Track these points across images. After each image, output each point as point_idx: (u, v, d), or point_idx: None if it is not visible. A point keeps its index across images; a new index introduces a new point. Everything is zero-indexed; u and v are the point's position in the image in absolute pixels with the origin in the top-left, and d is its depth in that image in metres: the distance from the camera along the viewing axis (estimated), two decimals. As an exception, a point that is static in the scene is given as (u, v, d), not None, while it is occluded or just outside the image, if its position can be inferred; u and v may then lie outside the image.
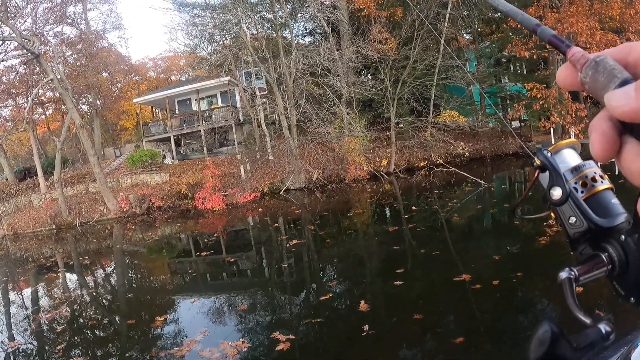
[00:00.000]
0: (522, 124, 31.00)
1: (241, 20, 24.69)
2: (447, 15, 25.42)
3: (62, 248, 19.30)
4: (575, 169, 0.67)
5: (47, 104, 37.53)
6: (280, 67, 24.24)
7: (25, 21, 26.74)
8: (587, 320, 0.59)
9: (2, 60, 29.00)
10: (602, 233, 0.63)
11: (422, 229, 12.05)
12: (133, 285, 11.41)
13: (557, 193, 0.68)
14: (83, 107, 37.89)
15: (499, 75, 31.73)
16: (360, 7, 26.34)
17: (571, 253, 0.69)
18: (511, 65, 31.75)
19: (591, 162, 0.65)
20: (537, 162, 0.71)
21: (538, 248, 8.61)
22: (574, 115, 22.76)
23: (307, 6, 26.70)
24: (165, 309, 8.54)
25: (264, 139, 26.03)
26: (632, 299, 0.60)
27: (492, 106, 27.76)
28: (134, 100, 34.91)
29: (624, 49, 0.44)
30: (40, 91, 31.31)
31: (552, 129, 25.67)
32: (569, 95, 23.79)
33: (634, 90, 0.38)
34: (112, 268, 14.06)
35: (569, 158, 0.70)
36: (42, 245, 20.37)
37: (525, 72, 31.20)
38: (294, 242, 12.33)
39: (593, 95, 0.43)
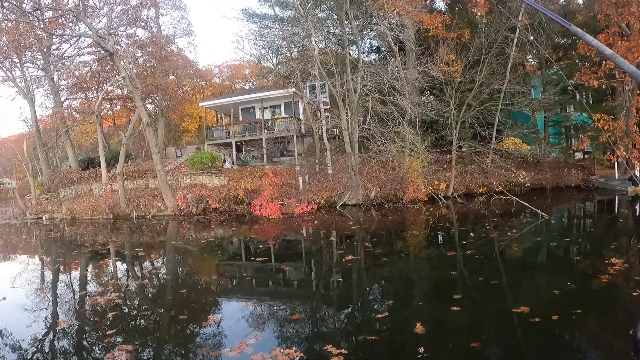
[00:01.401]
0: (586, 155, 30.07)
1: (311, 35, 25.06)
2: (515, 40, 25.06)
3: (117, 237, 20.06)
4: None
5: (115, 100, 39.08)
6: (346, 82, 24.45)
7: (100, 21, 28.10)
8: None
9: (78, 55, 30.51)
10: None
11: (480, 256, 11.87)
12: (186, 281, 11.69)
13: None
14: (149, 106, 39.28)
15: (565, 104, 30.96)
16: (428, 27, 26.31)
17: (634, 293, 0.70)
18: (577, 94, 30.92)
19: None
20: None
21: (599, 286, 8.38)
22: (642, 150, 21.86)
23: (375, 24, 26.88)
24: (217, 309, 8.74)
25: (324, 152, 26.23)
26: None
27: (556, 136, 27.10)
28: (200, 104, 35.99)
29: None
30: (110, 88, 32.71)
31: (616, 163, 24.82)
32: (637, 129, 22.93)
33: None
34: (165, 263, 14.50)
35: None
36: (97, 232, 21.32)
37: (591, 102, 30.26)
38: (350, 257, 12.37)
39: None
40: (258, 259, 13.04)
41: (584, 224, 18.34)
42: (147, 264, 14.01)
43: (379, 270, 11.28)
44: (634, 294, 7.66)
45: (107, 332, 7.26)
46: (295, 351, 6.04)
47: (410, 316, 7.51)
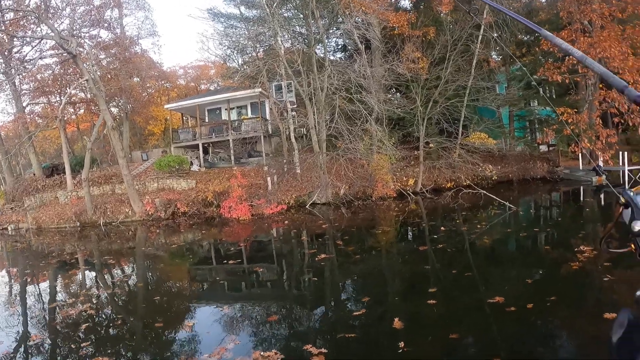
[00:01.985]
0: (550, 148, 30.70)
1: (277, 34, 24.95)
2: (480, 37, 25.42)
3: (85, 245, 19.58)
4: None
5: (78, 104, 38.25)
6: (313, 81, 24.41)
7: (63, 22, 27.41)
8: None
9: (40, 58, 29.75)
10: None
11: (452, 249, 11.97)
12: (158, 288, 11.44)
13: (637, 226, 0.77)
14: (113, 109, 38.54)
15: (529, 99, 31.56)
16: (394, 25, 26.47)
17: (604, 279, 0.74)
18: (541, 89, 31.56)
19: None
20: (622, 200, 0.81)
21: (570, 273, 8.54)
22: (604, 142, 22.47)
23: (341, 22, 26.93)
24: (192, 314, 8.59)
25: (292, 151, 26.14)
26: None
27: (521, 129, 27.59)
28: (166, 106, 35.50)
29: None
30: (74, 91, 31.99)
31: (580, 154, 25.43)
32: (600, 121, 23.56)
33: None
34: (136, 270, 14.13)
35: None
36: (64, 241, 20.77)
37: (555, 96, 30.96)
38: (322, 256, 12.32)
39: None
40: (230, 261, 12.89)
41: (552, 214, 18.71)
42: (117, 272, 13.71)
43: (352, 267, 11.26)
44: (604, 279, 7.81)
45: (82, 345, 7.03)
46: (276, 353, 5.97)
47: (388, 312, 7.50)
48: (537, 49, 27.10)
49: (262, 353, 5.98)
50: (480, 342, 6.08)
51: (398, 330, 6.41)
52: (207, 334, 7.16)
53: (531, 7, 30.04)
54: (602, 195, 20.81)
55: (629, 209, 0.79)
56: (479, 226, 15.08)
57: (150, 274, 13.45)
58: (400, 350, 5.67)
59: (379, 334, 6.63)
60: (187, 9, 66.25)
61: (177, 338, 7.23)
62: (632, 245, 0.80)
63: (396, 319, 6.70)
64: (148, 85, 41.22)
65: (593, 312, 6.50)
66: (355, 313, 7.45)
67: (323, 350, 5.91)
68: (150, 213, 23.68)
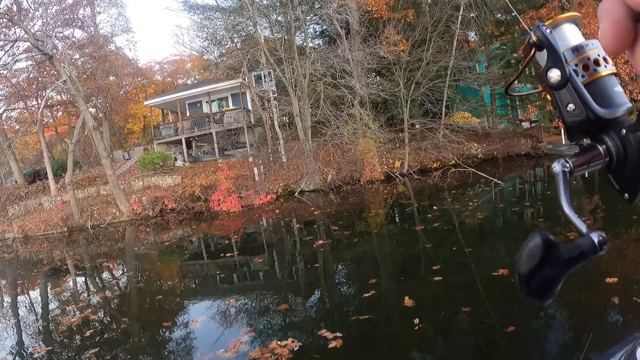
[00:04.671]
0: (533, 124, 30.99)
1: (256, 23, 24.75)
2: (459, 17, 25.49)
3: (74, 250, 19.28)
4: (577, 49, 0.61)
5: (55, 107, 37.58)
6: (295, 69, 24.29)
7: (35, 23, 26.82)
8: (582, 227, 0.57)
9: (16, 61, 29.07)
10: (601, 124, 0.59)
11: (448, 227, 12.09)
12: (158, 287, 11.32)
13: (554, 76, 0.62)
14: (91, 110, 37.91)
15: (509, 77, 31.76)
16: (372, 9, 26.42)
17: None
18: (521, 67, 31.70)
19: (595, 41, 0.59)
20: (534, 38, 0.63)
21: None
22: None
23: (320, 8, 26.80)
24: (200, 310, 8.52)
25: (277, 141, 26.04)
26: (626, 194, 0.58)
27: (503, 107, 27.82)
28: (145, 103, 35.07)
29: None
30: (51, 94, 31.42)
31: (562, 129, 25.74)
32: None
33: None
34: (131, 271, 13.84)
35: (569, 35, 0.63)
36: (53, 248, 20.34)
37: (534, 74, 31.22)
38: (320, 242, 12.34)
39: None
40: (227, 254, 12.88)
41: (539, 188, 18.92)
42: (111, 274, 13.49)
43: (352, 251, 11.31)
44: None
45: (91, 351, 6.83)
46: (293, 342, 5.95)
47: (396, 291, 7.56)
48: (516, 27, 27.29)
49: (278, 342, 5.96)
50: (493, 313, 6.15)
51: (410, 308, 6.46)
52: (218, 329, 7.13)
53: (510, -15, 30.20)
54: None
55: (543, 50, 0.63)
56: (470, 203, 15.19)
57: (145, 274, 13.30)
58: (417, 327, 5.72)
59: (392, 313, 6.68)
60: (162, 2, 65.54)
61: (188, 336, 7.17)
62: (549, 97, 0.65)
63: (406, 298, 6.74)
64: (125, 83, 40.61)
65: (592, 274, 6.58)
66: (364, 295, 7.47)
67: (338, 334, 5.92)
68: (137, 212, 23.40)
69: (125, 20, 55.87)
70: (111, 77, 36.40)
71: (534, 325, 5.60)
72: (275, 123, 25.84)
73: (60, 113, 39.21)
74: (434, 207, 15.46)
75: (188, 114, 32.73)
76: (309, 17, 29.36)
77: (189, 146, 30.81)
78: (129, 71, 39.56)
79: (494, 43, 31.50)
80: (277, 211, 20.26)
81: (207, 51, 34.12)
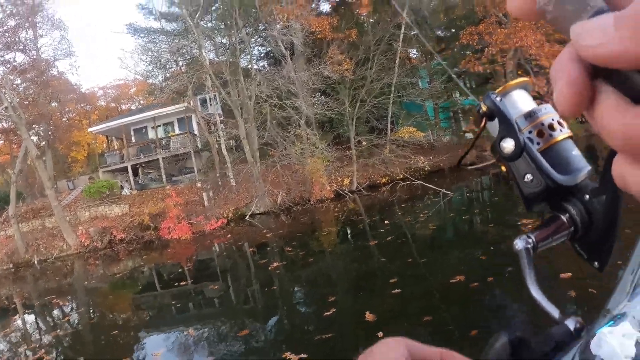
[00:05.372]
0: (477, 135, 31.92)
1: (201, 46, 24.65)
2: (401, 35, 26.16)
3: (22, 288, 18.43)
4: (530, 115, 0.57)
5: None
6: (241, 91, 24.24)
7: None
8: (554, 313, 0.54)
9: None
10: (562, 192, 0.55)
11: (402, 240, 12.22)
12: (112, 322, 10.87)
13: (508, 146, 0.57)
14: (33, 137, 36.62)
15: (451, 91, 32.78)
16: (316, 30, 26.80)
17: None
18: (461, 81, 32.87)
19: (547, 106, 0.56)
20: (483, 108, 0.60)
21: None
22: (528, 123, 23.93)
23: (265, 30, 27.00)
24: (159, 343, 8.24)
25: (224, 164, 25.84)
26: (596, 262, 0.55)
27: (447, 120, 28.63)
28: (89, 130, 34.11)
29: None
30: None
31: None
32: None
33: (613, 24, 0.27)
34: (82, 307, 13.26)
35: (520, 101, 0.59)
36: (-2, 286, 19.42)
37: (474, 86, 32.45)
38: (275, 264, 12.22)
39: (558, 29, 0.33)
40: (182, 283, 12.56)
41: (487, 195, 19.46)
42: (62, 311, 12.91)
43: (308, 270, 11.27)
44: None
45: None
46: (256, 366, 5.86)
47: (357, 307, 7.55)
48: (456, 43, 28.30)
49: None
50: (455, 320, 6.23)
51: (372, 322, 6.48)
52: None
53: (448, 4, 31.37)
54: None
55: (495, 120, 0.59)
56: (421, 215, 15.45)
57: (97, 309, 12.78)
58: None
59: (355, 329, 6.68)
60: (106, 25, 64.36)
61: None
62: (503, 168, 0.62)
63: (367, 313, 6.75)
64: (67, 109, 39.43)
65: (547, 273, 6.78)
66: (325, 313, 7.43)
67: (303, 355, 5.87)
68: (86, 244, 22.60)
69: (68, 43, 54.28)
70: (54, 103, 35.28)
71: (494, 325, 5.72)
72: (223, 147, 25.68)
73: (1, 142, 37.65)
74: (386, 222, 15.61)
75: (134, 140, 32.10)
76: (253, 39, 29.53)
77: (135, 173, 30.17)
78: (72, 97, 38.38)
79: (435, 59, 32.47)
80: (229, 236, 20.02)
81: (152, 75, 33.59)
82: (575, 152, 0.56)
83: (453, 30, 29.54)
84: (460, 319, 6.20)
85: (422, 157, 26.43)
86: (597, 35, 0.28)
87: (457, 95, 33.56)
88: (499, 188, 21.04)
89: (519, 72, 24.74)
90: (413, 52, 31.30)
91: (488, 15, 25.10)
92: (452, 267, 8.60)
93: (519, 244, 0.54)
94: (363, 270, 10.49)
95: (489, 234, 11.05)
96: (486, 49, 24.14)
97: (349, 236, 15.72)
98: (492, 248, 9.40)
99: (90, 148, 39.34)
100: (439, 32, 30.98)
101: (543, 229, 0.57)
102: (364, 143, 27.28)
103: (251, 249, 16.04)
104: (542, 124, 0.54)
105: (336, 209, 21.54)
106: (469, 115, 28.96)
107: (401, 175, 24.62)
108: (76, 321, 11.47)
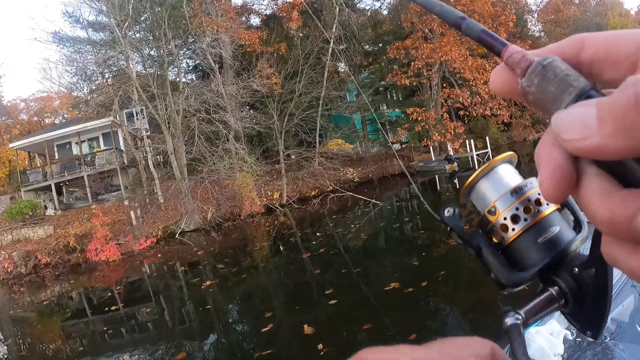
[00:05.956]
0: (403, 145, 32.87)
1: (128, 57, 24.05)
2: (330, 49, 26.63)
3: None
4: (516, 191, 0.55)
5: None
6: (169, 105, 23.80)
7: None
8: None
9: None
10: (551, 266, 0.54)
11: (334, 251, 12.39)
12: (41, 354, 10.42)
13: (471, 251, 0.57)
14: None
15: (378, 103, 33.61)
16: (245, 43, 26.84)
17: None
18: (388, 94, 33.90)
19: (533, 179, 0.55)
20: (472, 252, 0.58)
21: (450, 249, 9.29)
22: (453, 133, 25.01)
23: (194, 42, 26.71)
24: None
25: (152, 181, 25.24)
26: (589, 332, 0.54)
27: (375, 132, 29.30)
28: (10, 145, 32.23)
29: (574, 43, 0.34)
30: None
31: (431, 147, 27.77)
32: (447, 116, 26.22)
33: (595, 116, 0.28)
34: (7, 338, 12.43)
35: (506, 177, 0.57)
36: None
37: (401, 99, 33.54)
38: (208, 282, 12.05)
39: (539, 109, 0.32)
40: (113, 307, 12.16)
41: (415, 203, 20.02)
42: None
43: (242, 287, 11.23)
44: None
45: None
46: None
47: (294, 321, 7.62)
48: (384, 57, 29.20)
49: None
50: (394, 325, 6.41)
51: (311, 335, 6.55)
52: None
53: (377, 20, 32.30)
54: (456, 180, 22.80)
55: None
56: (352, 226, 15.72)
57: (26, 340, 12.16)
58: (322, 352, 5.81)
59: (294, 343, 6.73)
60: (29, 33, 61.32)
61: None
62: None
63: (305, 326, 6.82)
64: (-13, 123, 37.38)
65: (483, 275, 7.11)
66: (263, 329, 7.43)
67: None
68: (9, 270, 21.28)
69: None
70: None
71: (432, 328, 5.96)
72: (150, 162, 25.08)
73: None
74: (318, 234, 15.77)
75: (57, 157, 30.68)
76: (182, 52, 29.11)
77: (59, 192, 28.84)
78: (-7, 110, 36.44)
79: (363, 72, 33.32)
80: (159, 255, 19.53)
81: (77, 87, 32.26)
82: (561, 227, 0.54)
83: (380, 45, 30.49)
84: (398, 324, 6.40)
85: (351, 169, 26.89)
86: (578, 129, 0.28)
87: (384, 107, 34.52)
88: (427, 195, 21.79)
89: (444, 85, 25.96)
90: (341, 66, 31.88)
91: (415, 31, 26.27)
92: (387, 274, 8.85)
93: (509, 320, 0.52)
94: (298, 283, 10.57)
95: (420, 240, 11.43)
96: (412, 62, 25.17)
97: (282, 250, 15.75)
98: (424, 254, 9.75)
99: (12, 165, 37.29)
100: (367, 47, 31.77)
101: (532, 303, 0.55)
102: (293, 156, 27.43)
103: (183, 268, 15.78)
104: (529, 200, 0.54)
105: (267, 224, 21.52)
106: (395, 127, 29.91)
107: (331, 187, 24.90)
108: (3, 355, 10.87)
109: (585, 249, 0.49)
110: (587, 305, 0.52)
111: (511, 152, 0.57)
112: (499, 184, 0.56)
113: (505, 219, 0.54)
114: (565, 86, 0.31)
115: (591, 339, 0.60)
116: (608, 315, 0.51)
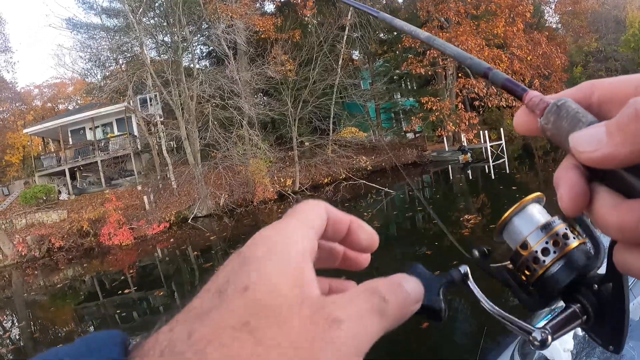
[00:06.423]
0: (417, 135, 32.72)
1: (143, 43, 24.07)
2: (345, 37, 26.50)
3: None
4: (544, 227, 0.57)
5: None
6: (183, 91, 23.82)
7: None
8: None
9: None
10: (573, 285, 0.56)
11: (347, 239, 12.34)
12: (55, 336, 10.51)
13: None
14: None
15: (392, 92, 33.44)
16: (260, 29, 26.76)
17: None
18: (403, 82, 33.71)
19: (556, 219, 0.57)
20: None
21: (464, 237, 9.23)
22: (467, 123, 24.83)
23: (208, 28, 26.67)
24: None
25: (165, 167, 25.33)
26: (611, 347, 0.56)
27: (388, 121, 29.15)
28: (25, 131, 32.51)
29: (586, 89, 0.40)
30: None
31: (445, 137, 27.61)
32: (462, 106, 26.03)
33: (605, 132, 0.34)
34: (22, 321, 12.65)
35: (536, 214, 0.59)
36: None
37: (416, 88, 33.38)
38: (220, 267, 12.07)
39: (556, 143, 0.40)
40: (125, 291, 12.26)
41: (429, 193, 19.95)
42: (2, 327, 12.32)
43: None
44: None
45: None
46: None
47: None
48: (399, 45, 28.99)
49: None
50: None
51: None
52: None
53: (392, 8, 32.07)
54: (469, 171, 22.60)
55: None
56: (365, 214, 15.63)
57: (39, 322, 12.27)
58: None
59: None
60: (43, 20, 61.73)
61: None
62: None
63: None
64: (1, 109, 37.61)
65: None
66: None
67: None
68: (23, 254, 21.53)
69: (4, 38, 51.77)
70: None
71: (444, 320, 5.90)
72: (163, 148, 25.17)
73: None
74: (332, 221, 15.72)
75: (71, 142, 30.92)
76: (196, 38, 29.08)
77: (73, 177, 29.12)
78: (7, 96, 36.68)
79: (377, 60, 33.13)
80: (171, 240, 19.66)
81: (90, 73, 32.45)
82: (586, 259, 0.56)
83: (395, 33, 30.34)
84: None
85: (364, 157, 26.81)
86: (591, 143, 0.34)
87: (399, 96, 34.35)
88: (439, 186, 21.65)
89: (459, 75, 25.73)
90: (356, 54, 31.76)
91: (431, 19, 26.07)
92: (398, 263, 8.79)
93: (537, 336, 0.54)
94: (316, 269, 10.53)
95: (432, 230, 11.36)
96: (428, 52, 25.00)
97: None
98: (436, 243, 9.69)
99: (26, 151, 37.61)
100: (381, 35, 31.54)
101: (556, 320, 0.57)
102: (307, 144, 27.40)
103: (195, 253, 15.87)
104: (557, 234, 0.57)
105: (279, 210, 21.51)
106: (409, 116, 29.78)
107: (344, 175, 24.87)
108: (17, 337, 11.02)
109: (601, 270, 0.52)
110: (607, 320, 0.54)
111: (539, 193, 0.60)
112: (530, 221, 0.58)
113: (536, 252, 0.56)
114: (575, 122, 0.38)
115: (615, 354, 0.59)
116: (627, 328, 0.54)
